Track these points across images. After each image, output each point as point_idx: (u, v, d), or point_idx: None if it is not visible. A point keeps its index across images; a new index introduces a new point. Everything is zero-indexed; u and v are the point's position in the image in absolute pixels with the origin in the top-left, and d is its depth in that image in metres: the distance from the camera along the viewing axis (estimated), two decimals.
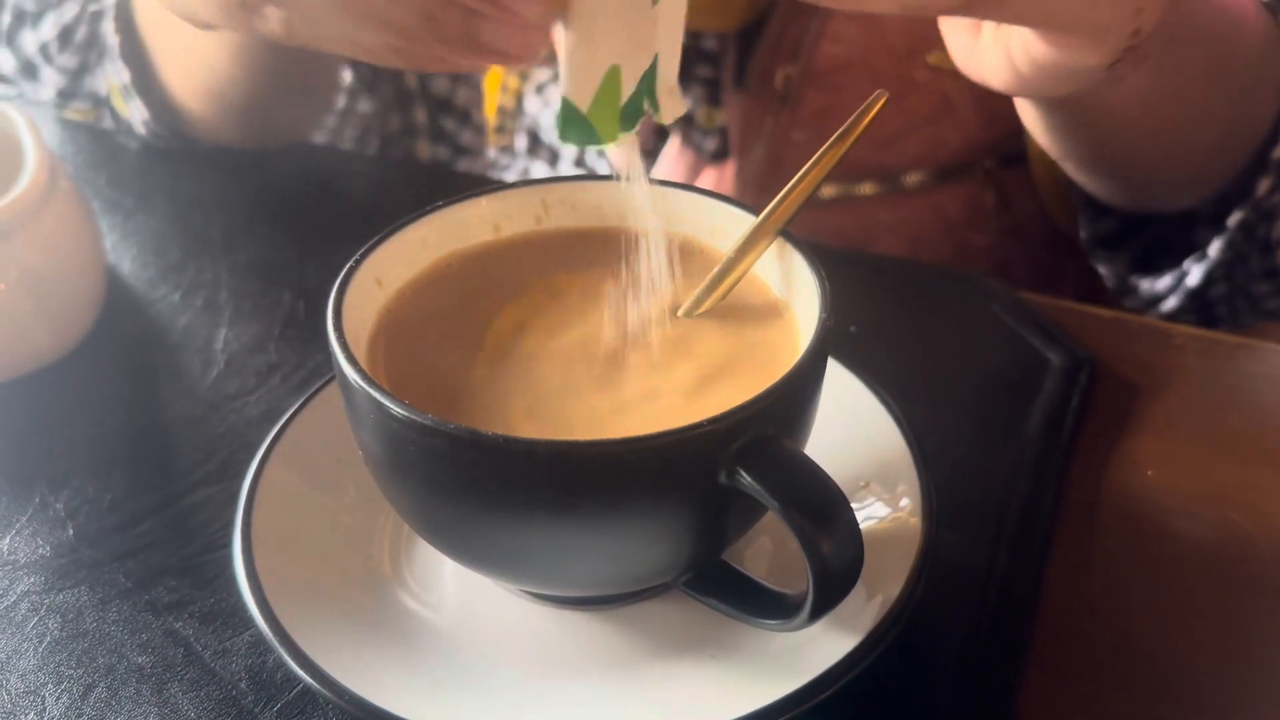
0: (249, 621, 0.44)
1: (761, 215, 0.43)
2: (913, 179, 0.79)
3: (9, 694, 0.42)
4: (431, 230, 0.45)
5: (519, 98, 0.88)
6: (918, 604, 0.41)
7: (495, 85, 0.87)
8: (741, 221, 0.44)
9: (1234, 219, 0.61)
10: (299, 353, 0.57)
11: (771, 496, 0.36)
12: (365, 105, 0.77)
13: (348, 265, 0.42)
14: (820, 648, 0.39)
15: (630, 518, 0.37)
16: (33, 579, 0.47)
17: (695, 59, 0.82)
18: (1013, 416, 0.52)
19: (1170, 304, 0.65)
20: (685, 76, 0.85)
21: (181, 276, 0.62)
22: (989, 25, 0.50)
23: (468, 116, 0.80)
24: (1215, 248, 0.62)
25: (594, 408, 0.40)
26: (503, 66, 0.38)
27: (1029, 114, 0.60)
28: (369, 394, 0.37)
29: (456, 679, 0.41)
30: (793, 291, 0.43)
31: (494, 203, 0.47)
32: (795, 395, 0.38)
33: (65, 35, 0.70)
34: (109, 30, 0.68)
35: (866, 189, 0.79)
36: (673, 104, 0.42)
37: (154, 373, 0.57)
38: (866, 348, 0.52)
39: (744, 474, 0.36)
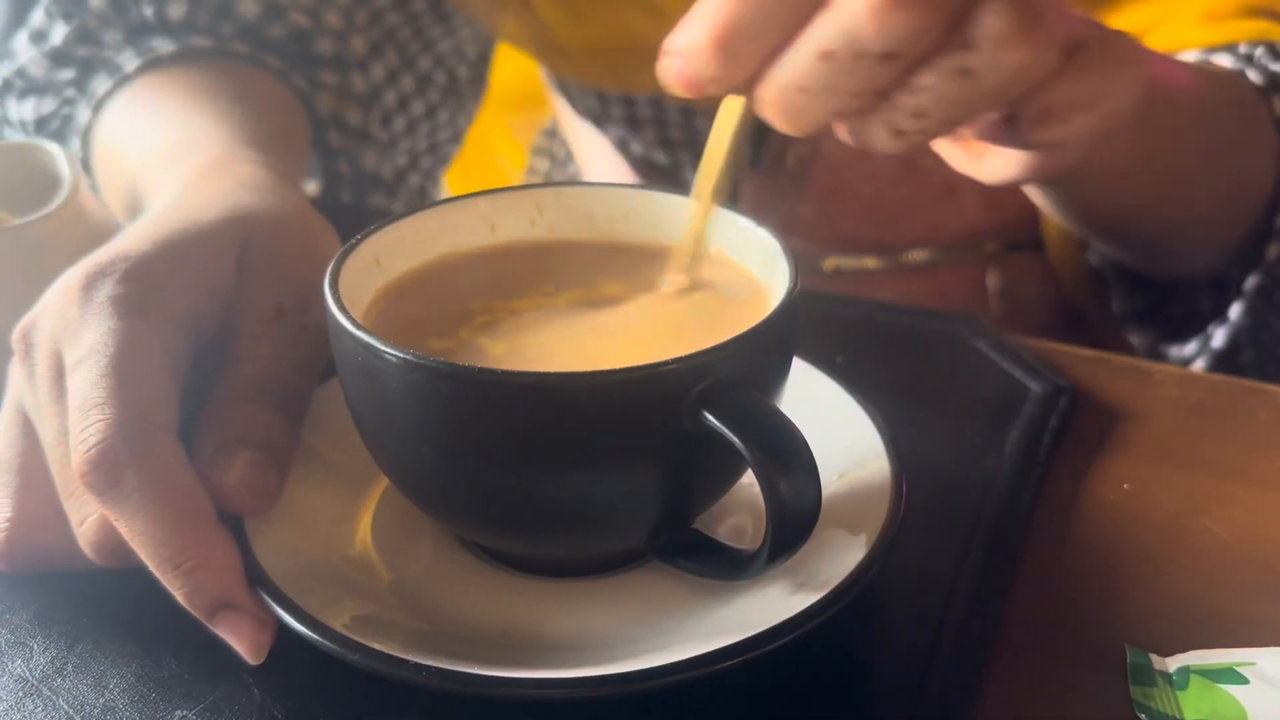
0: None
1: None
2: (914, 256, 0.81)
3: None
4: (431, 224, 0.48)
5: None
6: (888, 581, 0.42)
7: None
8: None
9: (1250, 283, 0.64)
10: None
11: (732, 434, 0.37)
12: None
13: (349, 242, 0.45)
14: (783, 606, 0.40)
15: (596, 458, 0.39)
16: None
17: None
18: (992, 434, 0.53)
19: (1199, 366, 0.67)
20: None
21: None
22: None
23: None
24: (1236, 311, 0.64)
25: (571, 366, 0.42)
26: None
27: (1037, 198, 0.63)
28: (354, 335, 0.39)
29: (433, 627, 0.42)
30: (771, 275, 0.45)
31: (492, 204, 0.49)
32: (759, 346, 0.40)
33: (42, 124, 0.73)
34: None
35: (869, 263, 0.81)
36: None
37: None
38: (851, 375, 0.54)
39: (708, 415, 0.38)
